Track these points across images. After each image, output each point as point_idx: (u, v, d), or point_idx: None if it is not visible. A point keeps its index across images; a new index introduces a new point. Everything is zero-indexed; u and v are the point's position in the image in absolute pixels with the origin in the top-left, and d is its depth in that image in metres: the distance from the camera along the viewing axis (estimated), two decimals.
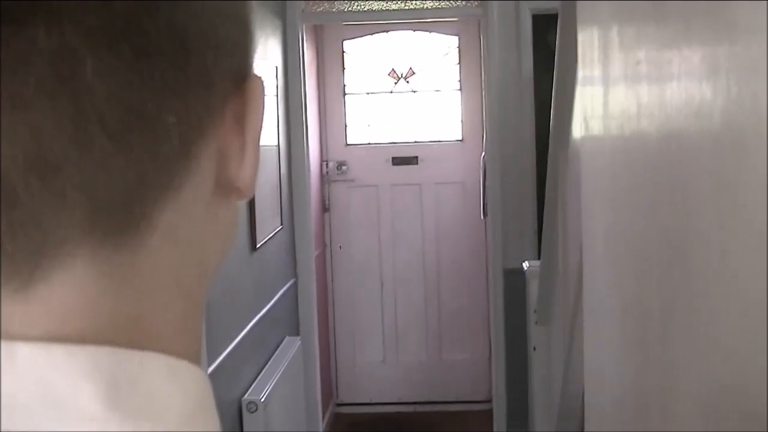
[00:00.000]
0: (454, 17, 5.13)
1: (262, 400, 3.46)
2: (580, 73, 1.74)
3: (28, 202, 0.34)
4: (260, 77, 0.44)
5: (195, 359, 0.42)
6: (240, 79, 0.42)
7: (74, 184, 0.35)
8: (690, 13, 0.84)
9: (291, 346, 4.24)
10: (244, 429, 3.44)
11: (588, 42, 1.57)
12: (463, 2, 4.79)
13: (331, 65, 5.69)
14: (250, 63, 0.43)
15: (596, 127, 1.50)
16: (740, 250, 0.74)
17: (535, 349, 4.17)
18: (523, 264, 4.45)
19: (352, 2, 4.80)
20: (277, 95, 4.33)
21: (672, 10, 0.91)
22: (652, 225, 1.06)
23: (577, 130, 2.21)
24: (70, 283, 0.37)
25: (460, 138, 5.73)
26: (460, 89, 5.71)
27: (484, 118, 5.00)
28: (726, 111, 0.74)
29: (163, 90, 0.36)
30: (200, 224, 0.42)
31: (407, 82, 5.76)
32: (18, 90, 0.33)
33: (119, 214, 0.37)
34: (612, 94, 1.33)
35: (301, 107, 4.69)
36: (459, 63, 5.71)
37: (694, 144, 0.84)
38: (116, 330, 0.38)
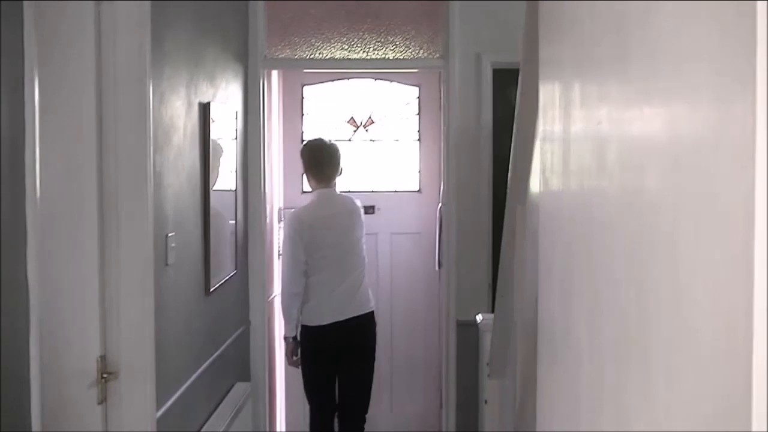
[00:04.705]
0: (415, 68, 5.19)
1: None
2: (541, 128, 1.77)
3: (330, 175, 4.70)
4: None
5: None
6: None
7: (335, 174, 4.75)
8: (651, 73, 0.86)
9: (241, 392, 4.19)
10: None
11: (549, 98, 1.60)
12: (425, 54, 4.84)
13: (290, 111, 5.72)
14: None
15: (556, 183, 1.52)
16: (698, 307, 0.75)
17: (486, 402, 4.17)
18: (477, 317, 4.46)
19: (314, 50, 4.83)
20: (236, 139, 4.33)
21: (634, 70, 0.94)
22: (608, 280, 1.08)
23: (536, 185, 2.24)
24: (332, 185, 4.69)
25: (418, 189, 5.77)
26: (419, 140, 5.76)
27: (441, 170, 5.04)
28: (686, 173, 0.76)
29: None
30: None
31: (366, 130, 5.80)
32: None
33: (331, 179, 4.64)
34: (573, 150, 1.35)
35: (260, 153, 4.69)
36: (419, 113, 5.76)
37: (654, 203, 0.86)
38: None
